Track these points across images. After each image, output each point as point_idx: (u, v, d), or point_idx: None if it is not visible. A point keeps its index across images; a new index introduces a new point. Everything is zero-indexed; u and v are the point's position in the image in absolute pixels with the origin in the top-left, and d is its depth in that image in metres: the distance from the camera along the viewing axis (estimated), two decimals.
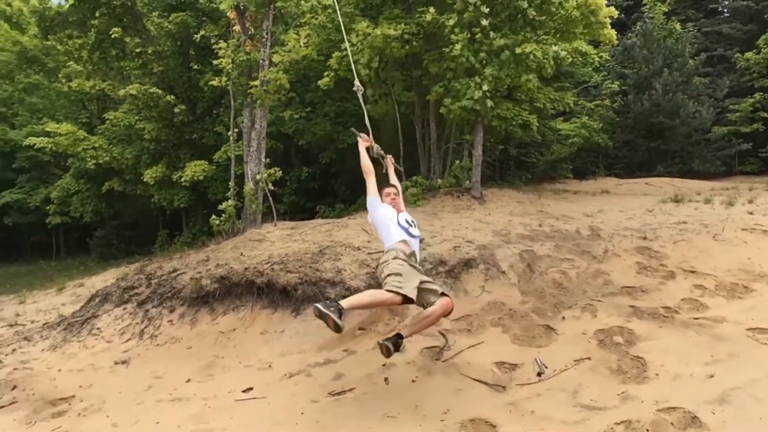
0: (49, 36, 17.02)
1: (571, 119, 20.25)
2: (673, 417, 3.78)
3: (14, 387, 5.81)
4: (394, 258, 4.40)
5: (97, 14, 15.62)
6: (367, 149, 5.17)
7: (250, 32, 12.13)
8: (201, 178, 15.87)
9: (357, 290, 6.11)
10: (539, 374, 4.75)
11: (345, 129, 14.44)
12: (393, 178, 5.31)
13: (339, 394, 4.81)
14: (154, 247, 18.04)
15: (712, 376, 4.28)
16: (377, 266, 4.75)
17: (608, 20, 11.48)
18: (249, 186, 11.27)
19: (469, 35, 10.59)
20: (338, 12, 7.67)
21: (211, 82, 13.14)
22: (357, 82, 5.87)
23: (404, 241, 4.58)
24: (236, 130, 13.16)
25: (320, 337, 5.97)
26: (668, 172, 20.56)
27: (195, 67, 17.24)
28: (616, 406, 4.08)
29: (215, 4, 15.54)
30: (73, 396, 5.48)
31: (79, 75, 17.88)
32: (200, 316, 6.87)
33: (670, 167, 21.28)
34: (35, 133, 19.71)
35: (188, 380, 5.59)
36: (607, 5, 11.33)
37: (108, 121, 18.30)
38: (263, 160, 11.60)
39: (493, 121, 12.77)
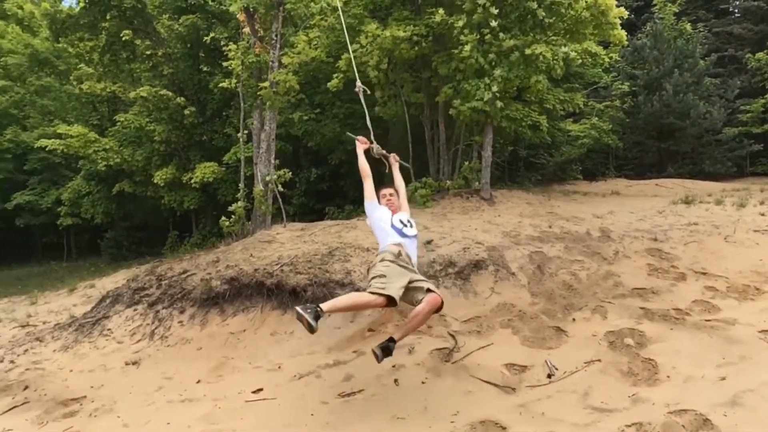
0: (60, 38, 17.12)
1: (581, 120, 20.10)
2: (685, 419, 3.76)
3: (26, 387, 5.87)
4: (381, 260, 4.42)
5: (107, 17, 15.69)
6: (368, 150, 5.18)
7: (259, 34, 12.15)
8: (211, 179, 15.89)
9: None
10: (549, 376, 4.75)
11: (354, 131, 14.41)
12: (397, 178, 5.30)
13: (349, 395, 4.83)
14: (164, 248, 18.06)
15: (723, 379, 4.26)
16: (368, 270, 4.76)
17: (618, 21, 11.41)
18: (258, 187, 11.29)
19: (478, 36, 10.56)
20: (341, 15, 7.70)
21: (220, 84, 13.15)
22: (359, 83, 5.94)
23: (396, 243, 4.58)
24: (246, 131, 13.18)
25: (330, 338, 5.99)
26: (679, 174, 20.34)
27: (205, 69, 17.27)
28: (627, 408, 4.06)
29: (225, 6, 15.60)
30: (85, 396, 5.53)
31: (90, 77, 17.91)
32: (210, 317, 6.91)
33: (681, 168, 21.08)
34: (47, 135, 19.80)
35: (198, 381, 5.63)
36: (617, 6, 11.26)
37: (119, 123, 18.35)
38: (273, 161, 11.63)
39: (502, 122, 12.74)
